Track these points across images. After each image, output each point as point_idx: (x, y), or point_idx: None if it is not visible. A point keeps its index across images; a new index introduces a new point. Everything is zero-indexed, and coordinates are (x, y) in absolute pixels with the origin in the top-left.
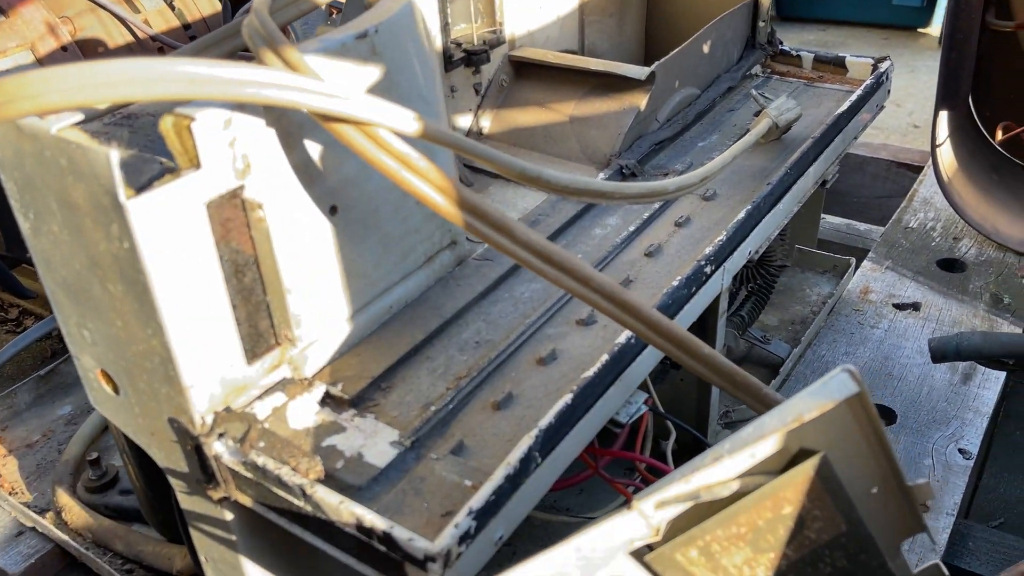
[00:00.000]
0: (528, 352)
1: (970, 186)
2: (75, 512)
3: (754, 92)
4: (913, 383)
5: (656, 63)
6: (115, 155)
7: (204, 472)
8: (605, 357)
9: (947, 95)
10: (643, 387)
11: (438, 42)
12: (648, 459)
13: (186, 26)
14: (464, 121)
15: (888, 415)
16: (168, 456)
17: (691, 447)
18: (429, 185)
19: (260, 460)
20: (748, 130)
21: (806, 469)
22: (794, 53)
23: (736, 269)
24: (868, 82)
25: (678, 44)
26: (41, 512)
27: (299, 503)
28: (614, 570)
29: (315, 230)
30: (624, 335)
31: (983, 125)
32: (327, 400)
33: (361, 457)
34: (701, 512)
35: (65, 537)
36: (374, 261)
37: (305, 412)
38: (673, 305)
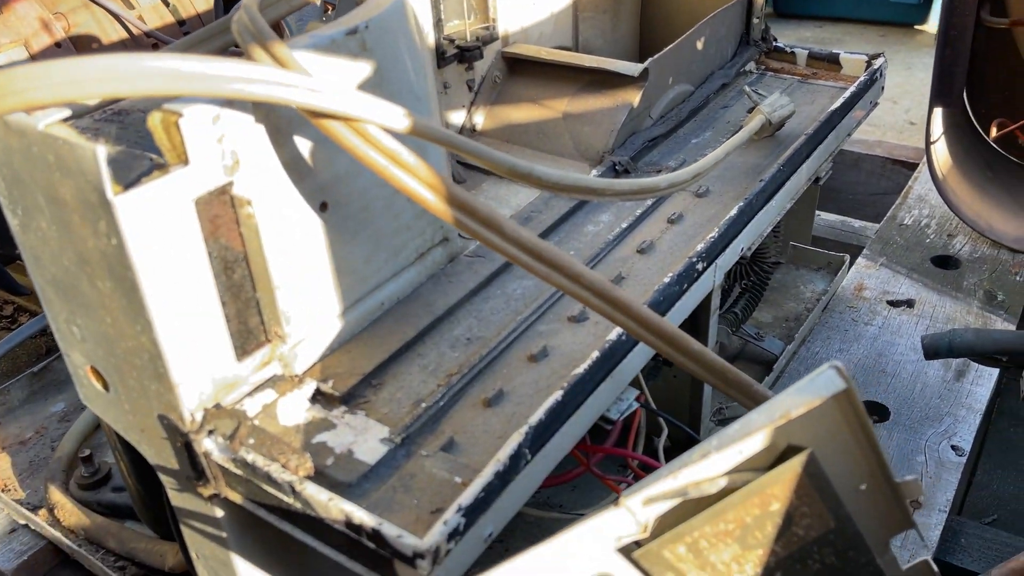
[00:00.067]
0: (519, 349)
1: (964, 183)
2: (68, 509)
3: (747, 88)
4: (906, 380)
5: (649, 59)
6: (102, 151)
7: (194, 469)
8: (596, 354)
9: (942, 92)
10: (635, 384)
11: (431, 38)
12: (640, 456)
13: (181, 22)
14: (457, 117)
15: (881, 412)
16: (158, 453)
17: (684, 444)
18: (418, 181)
19: (250, 457)
20: (741, 127)
21: (794, 466)
22: (788, 50)
23: (728, 266)
24: (862, 79)
25: (672, 41)
26: (34, 509)
27: (289, 500)
28: (602, 567)
29: (305, 226)
30: (615, 332)
31: (978, 122)
32: (317, 397)
33: (351, 454)
34: (689, 509)
35: (58, 534)
36: (365, 258)
37: (295, 409)
38: (665, 302)
